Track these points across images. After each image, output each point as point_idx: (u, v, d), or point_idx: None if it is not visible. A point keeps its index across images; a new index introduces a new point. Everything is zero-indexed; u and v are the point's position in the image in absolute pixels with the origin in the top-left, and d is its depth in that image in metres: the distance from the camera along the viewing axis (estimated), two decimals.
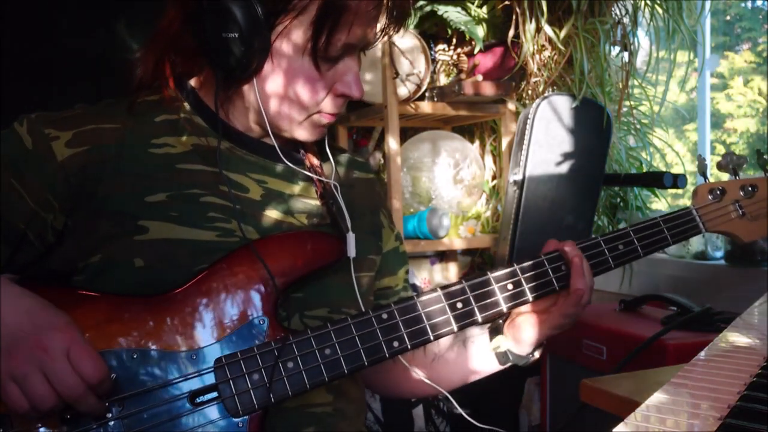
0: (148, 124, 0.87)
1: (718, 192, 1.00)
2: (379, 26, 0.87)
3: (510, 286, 0.88)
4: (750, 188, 1.00)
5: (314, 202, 0.93)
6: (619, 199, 2.13)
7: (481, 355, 0.99)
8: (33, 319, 0.71)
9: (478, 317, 0.86)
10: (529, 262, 0.90)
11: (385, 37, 0.89)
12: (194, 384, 0.77)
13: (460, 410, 0.99)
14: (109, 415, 0.74)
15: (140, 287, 0.80)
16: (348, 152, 1.07)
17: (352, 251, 0.89)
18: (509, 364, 0.98)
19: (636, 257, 0.95)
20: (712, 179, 1.05)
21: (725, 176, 1.04)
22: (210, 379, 0.77)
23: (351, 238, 0.89)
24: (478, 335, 0.99)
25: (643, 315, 1.65)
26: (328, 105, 0.87)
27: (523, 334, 0.94)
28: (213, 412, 0.76)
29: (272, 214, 0.89)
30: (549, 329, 0.93)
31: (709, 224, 0.99)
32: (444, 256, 2.27)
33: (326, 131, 0.93)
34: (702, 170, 1.03)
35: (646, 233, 0.95)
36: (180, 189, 0.84)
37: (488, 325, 0.98)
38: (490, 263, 2.20)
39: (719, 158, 1.04)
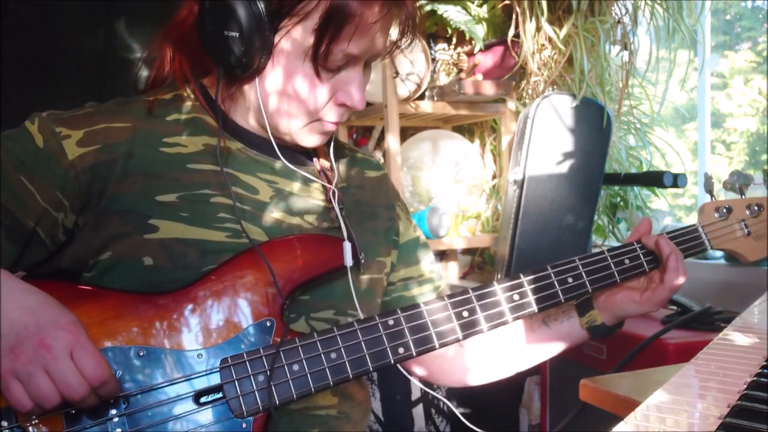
0: (160, 122, 0.87)
1: (725, 210, 1.01)
2: (389, 39, 0.87)
3: (516, 297, 0.88)
4: (756, 207, 1.01)
5: (323, 204, 0.93)
6: (619, 199, 2.14)
7: (572, 332, 0.99)
8: (37, 318, 0.71)
9: (484, 327, 0.87)
10: (534, 275, 0.90)
11: (397, 51, 0.89)
12: (199, 384, 0.77)
13: (456, 411, 0.99)
14: (114, 413, 0.74)
15: (148, 286, 0.80)
16: (358, 151, 1.07)
17: (348, 260, 0.88)
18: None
19: (641, 273, 0.96)
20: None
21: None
22: (215, 379, 0.77)
23: (347, 246, 0.88)
24: (564, 313, 1.00)
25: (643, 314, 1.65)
26: (329, 113, 0.87)
27: (622, 311, 0.96)
28: (217, 412, 0.77)
29: (280, 215, 0.89)
30: (646, 310, 0.96)
31: (714, 242, 1.01)
32: (444, 255, 2.27)
33: (329, 137, 0.93)
34: (708, 188, 1.03)
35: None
36: (190, 189, 0.84)
37: (568, 302, 0.99)
38: (491, 263, 2.20)
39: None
